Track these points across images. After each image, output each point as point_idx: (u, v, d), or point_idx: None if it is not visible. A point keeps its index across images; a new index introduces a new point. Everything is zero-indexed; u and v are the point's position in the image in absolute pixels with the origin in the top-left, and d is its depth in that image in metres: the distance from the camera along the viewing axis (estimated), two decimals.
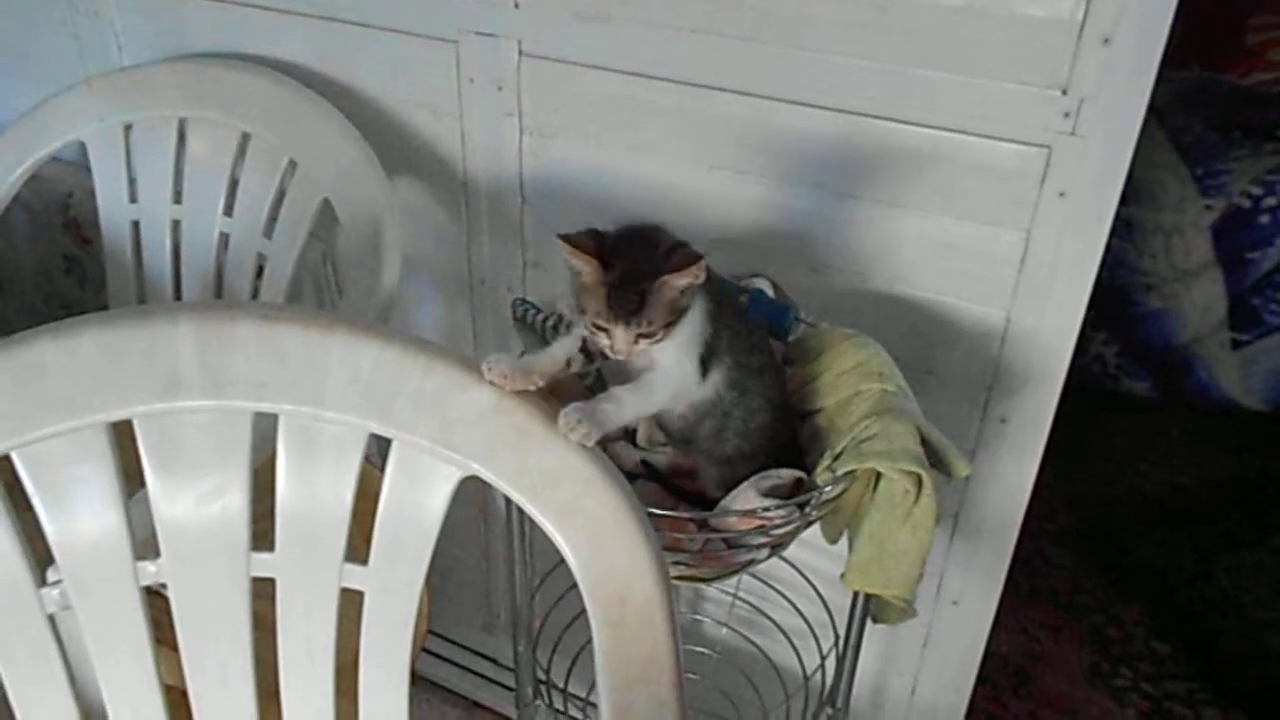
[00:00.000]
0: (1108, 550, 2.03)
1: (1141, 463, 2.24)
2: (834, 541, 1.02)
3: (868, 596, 0.99)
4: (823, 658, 1.14)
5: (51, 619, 0.82)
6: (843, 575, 0.92)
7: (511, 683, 1.66)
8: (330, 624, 0.85)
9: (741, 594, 1.29)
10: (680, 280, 0.80)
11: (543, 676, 1.22)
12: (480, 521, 1.54)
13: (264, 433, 0.83)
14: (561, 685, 1.25)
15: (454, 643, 1.71)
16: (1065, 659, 1.79)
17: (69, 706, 0.85)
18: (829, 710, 1.09)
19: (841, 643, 1.05)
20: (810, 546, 1.21)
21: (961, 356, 1.10)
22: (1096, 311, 2.26)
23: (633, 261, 0.81)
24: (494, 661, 1.69)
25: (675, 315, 0.82)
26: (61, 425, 0.77)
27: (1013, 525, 1.17)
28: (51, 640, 0.83)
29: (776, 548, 0.91)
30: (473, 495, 1.50)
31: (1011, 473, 1.13)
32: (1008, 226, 1.01)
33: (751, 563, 0.91)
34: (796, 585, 1.21)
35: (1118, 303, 2.29)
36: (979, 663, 1.30)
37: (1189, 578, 1.97)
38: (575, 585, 0.77)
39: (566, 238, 0.82)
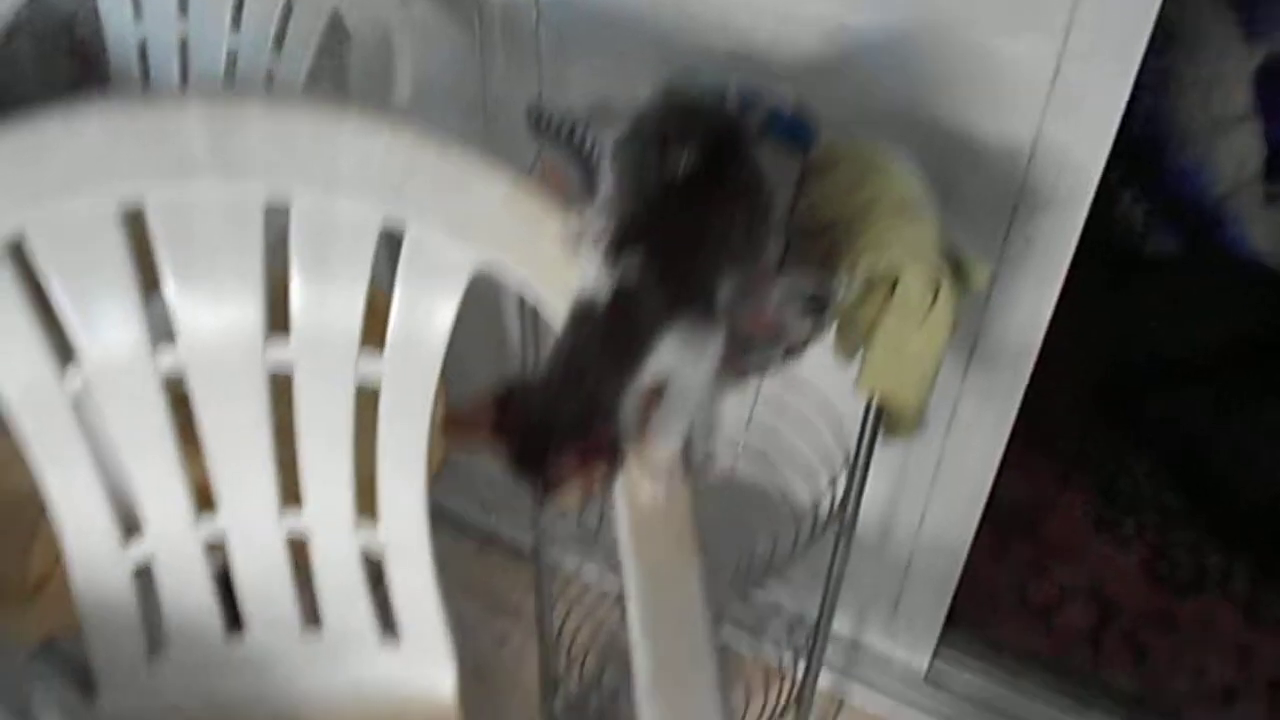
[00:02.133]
0: (1123, 405, 2.02)
1: (1164, 321, 2.21)
2: (849, 357, 1.01)
3: (879, 411, 0.99)
4: (831, 480, 1.16)
5: (77, 411, 0.84)
6: (856, 380, 0.92)
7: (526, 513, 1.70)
8: (347, 420, 0.86)
9: (751, 425, 1.30)
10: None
11: None
12: (494, 350, 1.55)
13: (278, 234, 0.83)
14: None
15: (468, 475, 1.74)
16: (1072, 507, 1.81)
17: (100, 501, 0.87)
18: (835, 528, 1.10)
19: (851, 461, 1.05)
20: (822, 373, 1.21)
21: (986, 178, 1.07)
22: (1126, 168, 2.22)
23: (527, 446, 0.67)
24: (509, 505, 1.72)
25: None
26: (72, 202, 0.77)
27: (1029, 353, 1.16)
28: (78, 432, 0.84)
29: (790, 353, 0.90)
30: (483, 325, 1.50)
31: (1031, 299, 1.12)
32: (1042, 33, 0.97)
33: (765, 368, 0.91)
34: (805, 417, 1.22)
35: (1149, 157, 2.22)
36: (988, 494, 1.31)
37: (1204, 434, 1.96)
38: None
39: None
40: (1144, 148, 2.21)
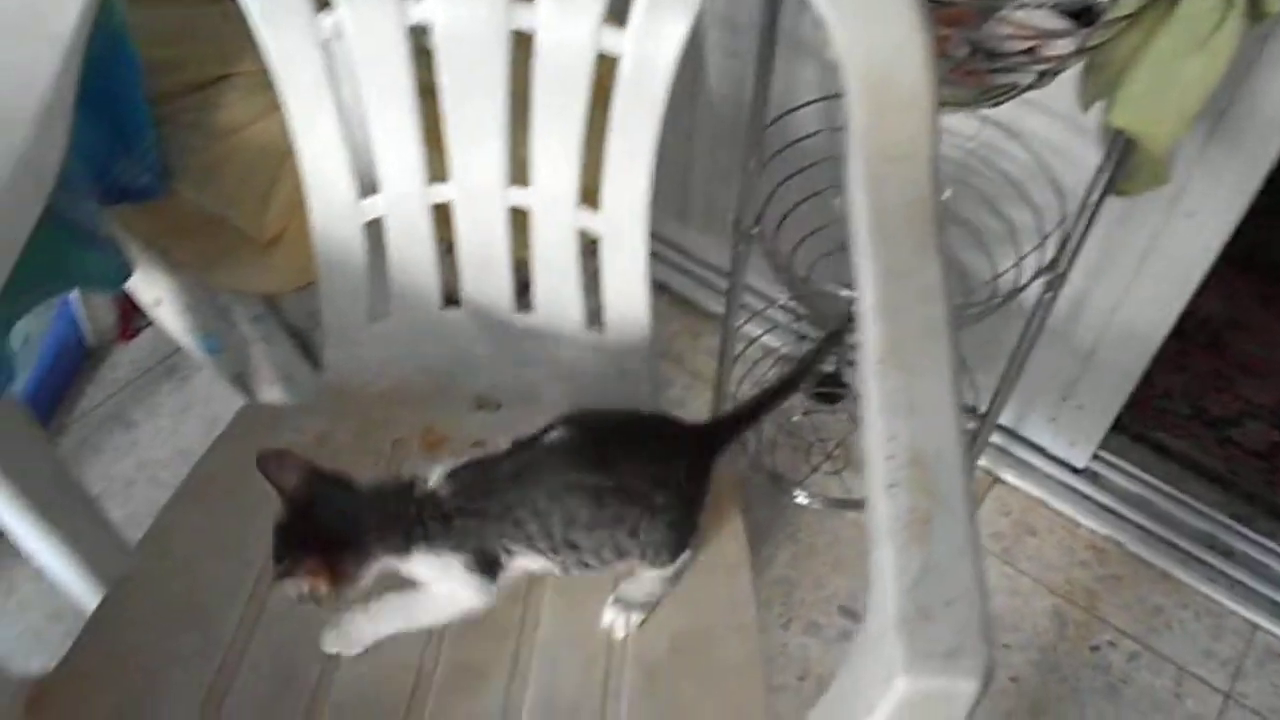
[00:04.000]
0: None
1: None
2: (1088, 105, 0.95)
3: (1123, 153, 0.93)
4: (1042, 238, 1.11)
5: (327, 48, 0.86)
6: (1107, 115, 0.87)
7: (698, 275, 1.71)
8: (584, 91, 0.86)
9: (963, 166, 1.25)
10: (291, 586, 0.71)
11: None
12: (687, 101, 1.52)
13: None
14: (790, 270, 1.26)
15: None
16: (1268, 328, 1.72)
17: (342, 154, 0.90)
18: (1048, 276, 1.07)
19: (1078, 211, 1.01)
20: (1048, 119, 1.15)
21: None
22: None
23: (297, 524, 0.73)
24: (684, 253, 1.73)
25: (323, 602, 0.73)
26: None
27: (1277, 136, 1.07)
28: (328, 81, 0.87)
29: (1045, 74, 0.85)
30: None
31: None
32: None
33: (1012, 88, 0.87)
34: (1022, 168, 1.17)
35: None
36: (1194, 288, 1.25)
37: None
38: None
39: (264, 456, 0.74)
40: None
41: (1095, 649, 1.36)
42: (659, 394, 1.01)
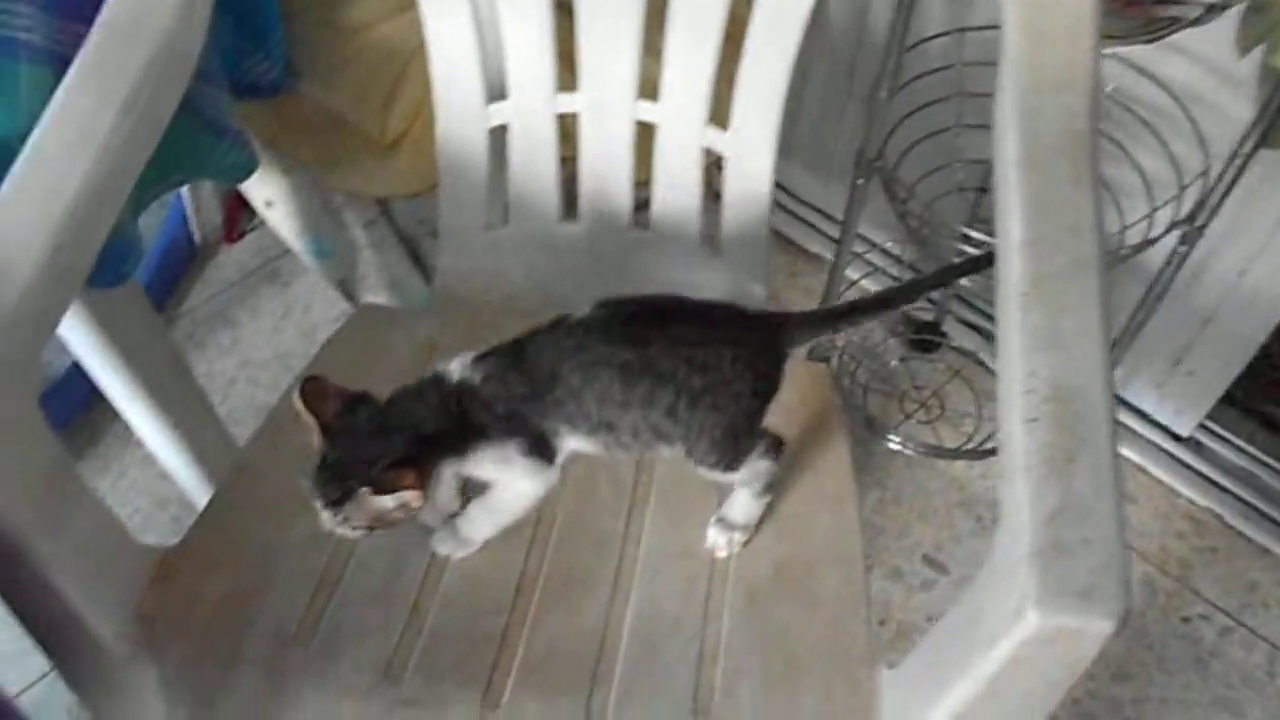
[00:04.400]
0: None
1: None
2: (1248, 48, 0.90)
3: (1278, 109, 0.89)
4: (1181, 189, 1.06)
5: None
6: (1270, 57, 0.82)
7: (798, 214, 1.68)
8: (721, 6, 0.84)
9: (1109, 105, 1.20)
10: (385, 502, 0.69)
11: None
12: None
13: None
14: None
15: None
16: None
17: (473, 56, 0.90)
18: (1184, 229, 1.03)
19: (1225, 162, 0.96)
20: (1190, 63, 1.10)
21: None
22: None
23: (351, 449, 0.71)
24: (786, 190, 1.70)
25: (388, 524, 0.71)
26: None
27: None
28: None
29: (1211, 9, 0.81)
30: None
31: None
32: None
33: (1175, 22, 0.82)
34: (1167, 114, 1.11)
35: None
36: None
37: None
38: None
39: (306, 387, 0.71)
40: None
41: (1186, 620, 1.32)
42: None
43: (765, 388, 0.78)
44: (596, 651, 0.76)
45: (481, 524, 0.81)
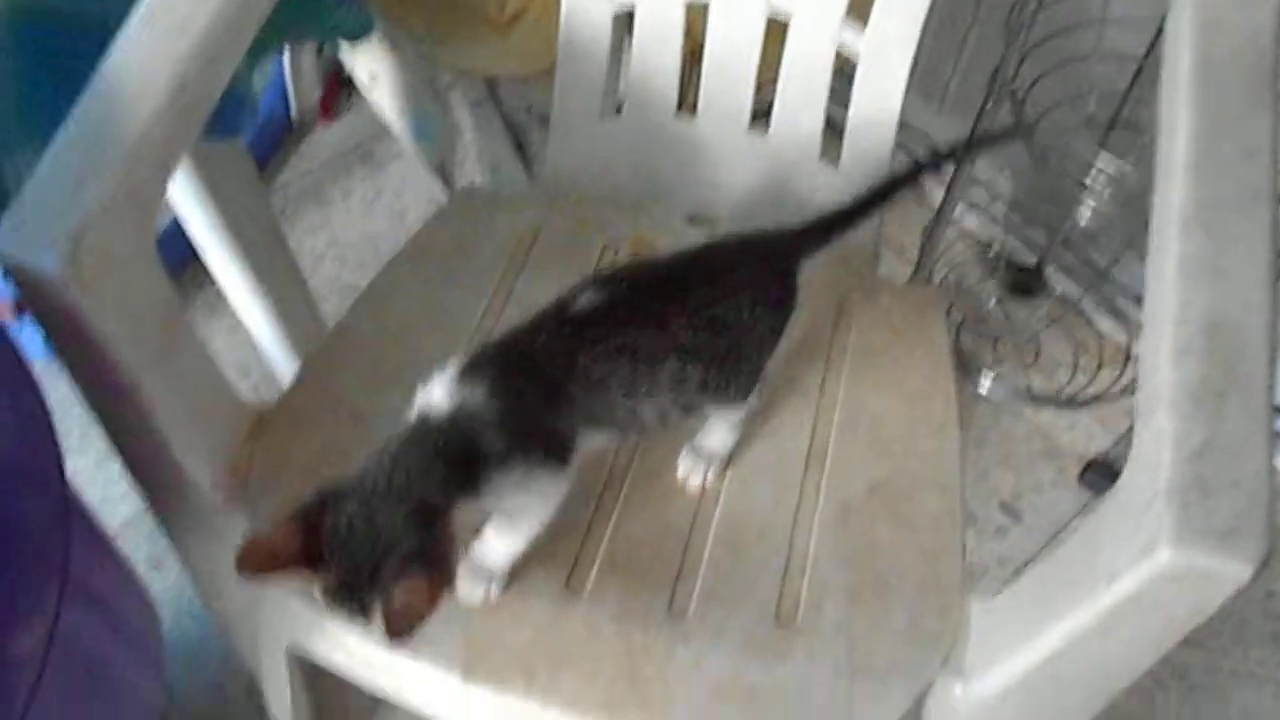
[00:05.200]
0: None
1: None
2: None
3: None
4: None
5: None
6: None
7: (906, 146, 1.62)
8: None
9: None
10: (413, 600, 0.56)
11: None
12: None
13: None
14: None
15: None
16: None
17: None
18: None
19: None
20: None
21: None
22: None
23: (352, 565, 0.58)
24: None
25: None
26: None
27: None
28: None
29: None
30: None
31: None
32: None
33: None
34: None
35: None
36: None
37: None
38: None
39: (245, 554, 0.57)
40: None
41: (1271, 595, 1.28)
42: (879, 242, 0.96)
43: (784, 317, 0.74)
44: (681, 551, 0.75)
45: (503, 551, 0.70)
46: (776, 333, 0.75)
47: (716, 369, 0.70)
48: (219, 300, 1.22)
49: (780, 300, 0.74)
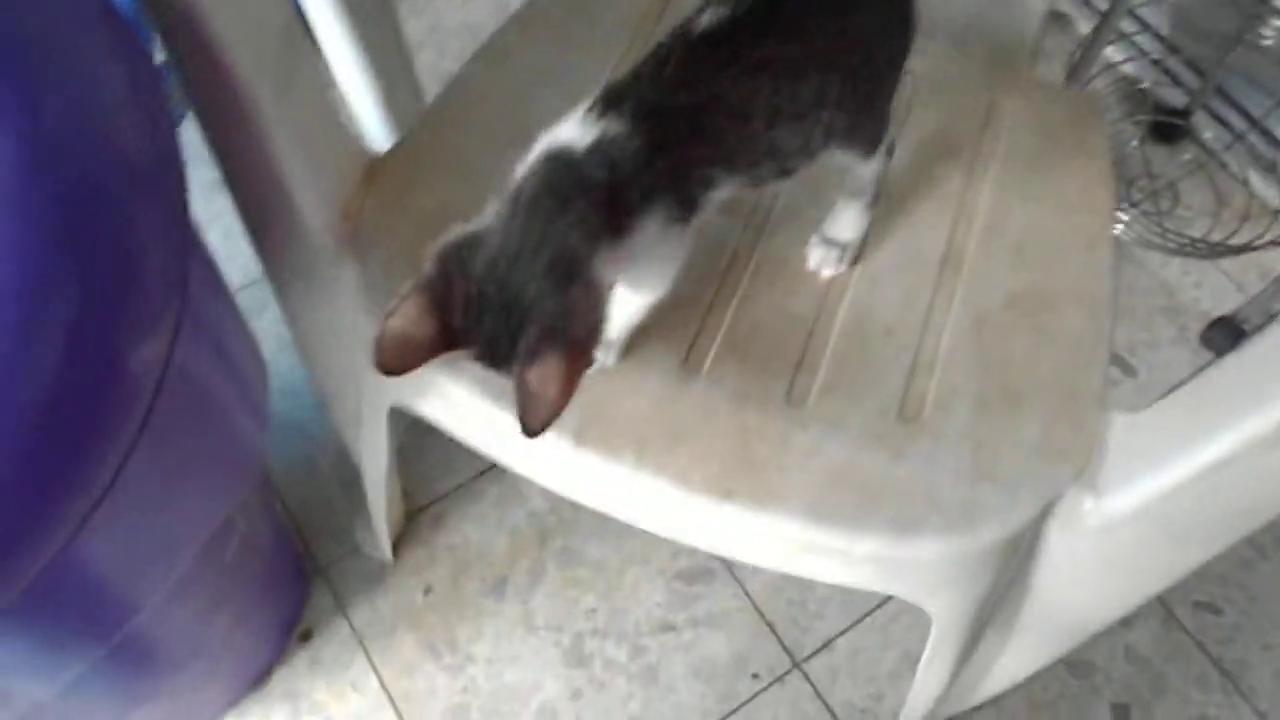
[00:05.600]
0: None
1: None
2: None
3: None
4: None
5: None
6: None
7: None
8: None
9: None
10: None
11: None
12: None
13: None
14: None
15: None
16: None
17: None
18: None
19: None
20: None
21: None
22: None
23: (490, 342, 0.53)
24: None
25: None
26: None
27: None
28: None
29: None
30: None
31: None
32: None
33: None
34: None
35: None
36: None
37: None
38: None
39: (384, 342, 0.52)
40: None
41: None
42: (1040, 38, 0.88)
43: (904, 44, 0.66)
44: (804, 340, 0.71)
45: (620, 318, 0.66)
46: (896, 65, 0.66)
47: (851, 89, 0.62)
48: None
49: (902, 21, 0.65)
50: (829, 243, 0.74)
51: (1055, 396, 0.68)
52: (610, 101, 0.57)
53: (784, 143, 0.61)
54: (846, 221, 0.74)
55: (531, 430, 0.51)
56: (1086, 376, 0.69)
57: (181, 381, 0.60)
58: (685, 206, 0.59)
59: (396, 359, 0.52)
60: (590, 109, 0.57)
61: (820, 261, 0.74)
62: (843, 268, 0.74)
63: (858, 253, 0.74)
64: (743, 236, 0.76)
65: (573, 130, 0.56)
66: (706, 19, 0.59)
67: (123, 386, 0.50)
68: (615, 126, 0.55)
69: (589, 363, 0.53)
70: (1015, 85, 0.85)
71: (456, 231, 0.55)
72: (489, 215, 0.55)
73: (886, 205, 0.78)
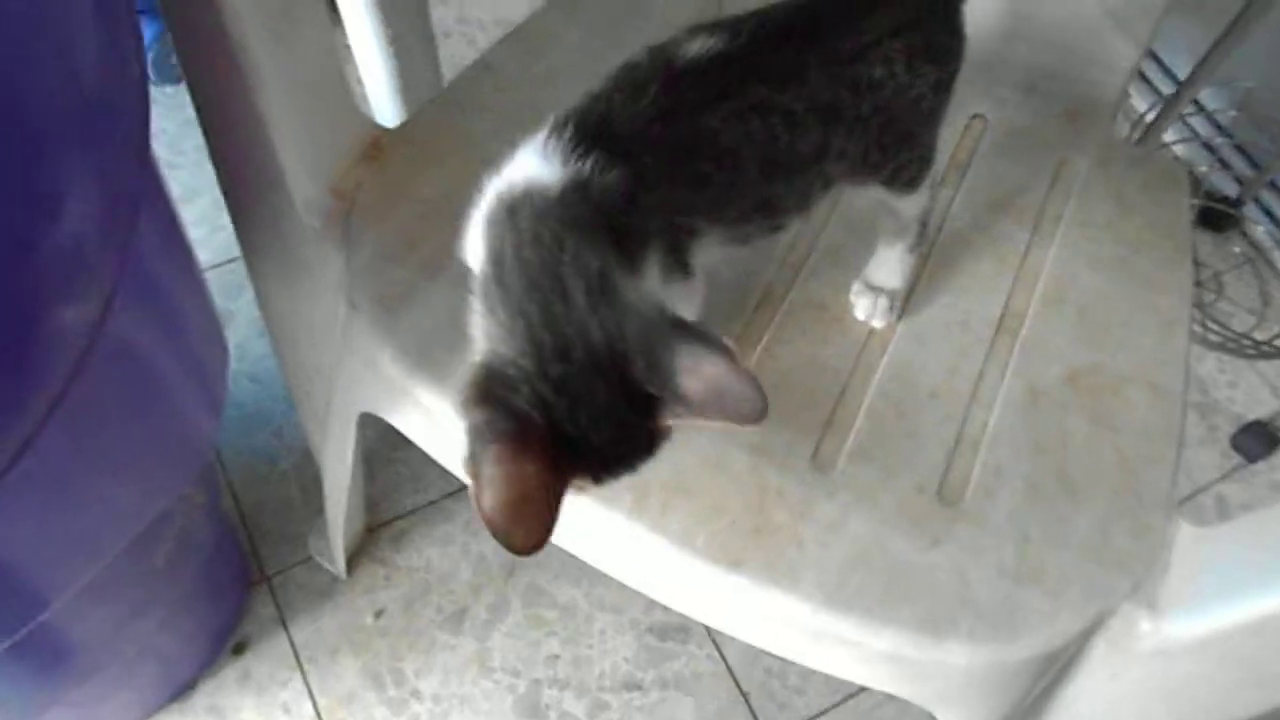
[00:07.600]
0: None
1: None
2: None
3: None
4: None
5: None
6: None
7: None
8: None
9: None
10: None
11: None
12: None
13: None
14: None
15: None
16: None
17: None
18: None
19: None
20: None
21: None
22: None
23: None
24: None
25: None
26: None
27: None
28: None
29: None
30: None
31: None
32: None
33: None
34: None
35: None
36: None
37: None
38: None
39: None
40: None
41: None
42: (1123, 96, 0.80)
43: (948, 74, 0.57)
44: (836, 396, 0.63)
45: None
46: (941, 91, 0.57)
47: (875, 138, 0.54)
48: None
49: (947, 52, 0.57)
50: (874, 290, 0.66)
51: (1115, 493, 0.60)
52: (581, 131, 0.48)
53: (779, 199, 0.54)
54: (890, 267, 0.66)
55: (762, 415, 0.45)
56: (1152, 475, 0.61)
57: (116, 354, 0.52)
58: (677, 256, 0.51)
59: (524, 531, 0.43)
60: (550, 139, 0.48)
61: (869, 312, 0.65)
62: (893, 318, 0.65)
63: (902, 306, 0.66)
64: (778, 274, 0.68)
65: (535, 166, 0.48)
66: (695, 47, 0.51)
67: (27, 350, 0.41)
68: (591, 161, 0.47)
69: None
70: (1090, 144, 0.77)
71: (467, 374, 0.46)
72: (475, 330, 0.47)
73: (940, 257, 0.70)
